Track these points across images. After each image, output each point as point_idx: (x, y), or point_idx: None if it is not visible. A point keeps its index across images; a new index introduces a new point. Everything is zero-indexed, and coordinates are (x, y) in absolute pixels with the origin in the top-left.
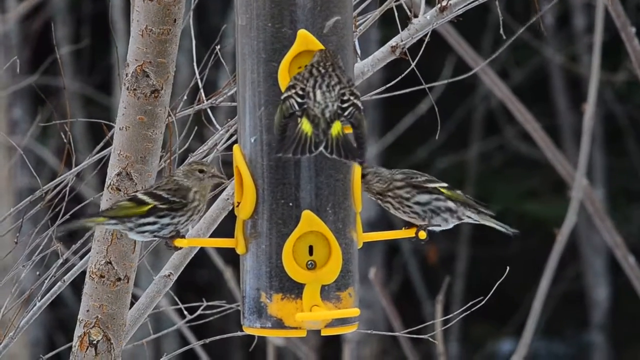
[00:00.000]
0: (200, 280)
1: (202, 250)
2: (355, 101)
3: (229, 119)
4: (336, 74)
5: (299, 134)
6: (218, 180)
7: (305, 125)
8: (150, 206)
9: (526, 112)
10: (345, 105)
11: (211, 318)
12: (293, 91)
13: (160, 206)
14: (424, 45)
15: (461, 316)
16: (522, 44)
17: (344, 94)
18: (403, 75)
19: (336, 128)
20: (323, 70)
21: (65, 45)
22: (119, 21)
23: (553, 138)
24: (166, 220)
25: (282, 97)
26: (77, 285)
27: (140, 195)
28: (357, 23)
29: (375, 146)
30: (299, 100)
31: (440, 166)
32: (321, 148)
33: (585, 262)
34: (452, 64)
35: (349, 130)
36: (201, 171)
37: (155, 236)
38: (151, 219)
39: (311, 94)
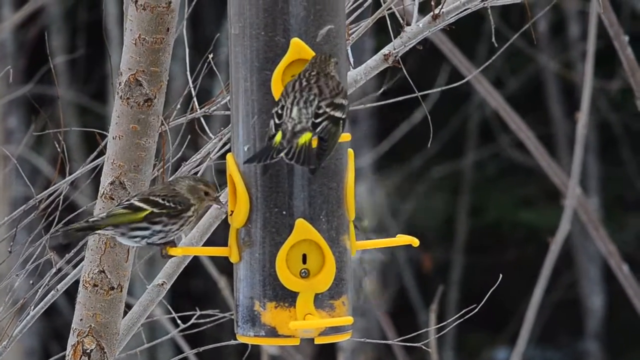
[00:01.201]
0: (195, 290)
1: (197, 260)
2: (331, 113)
3: (221, 128)
4: (318, 85)
5: (269, 144)
6: (217, 207)
7: (277, 137)
8: (147, 212)
9: (520, 121)
10: (319, 120)
11: (205, 327)
12: (276, 109)
13: (157, 211)
14: (417, 54)
15: (455, 324)
16: (516, 52)
17: (320, 107)
18: (392, 81)
19: (304, 138)
20: (305, 83)
21: (61, 54)
22: (114, 30)
23: (548, 146)
24: (158, 227)
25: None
26: (72, 294)
27: (136, 203)
28: (350, 31)
29: (369, 155)
30: (277, 121)
31: (435, 175)
32: (282, 155)
33: (580, 270)
34: (446, 73)
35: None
36: (206, 193)
37: (146, 242)
38: (144, 224)
39: (288, 110)
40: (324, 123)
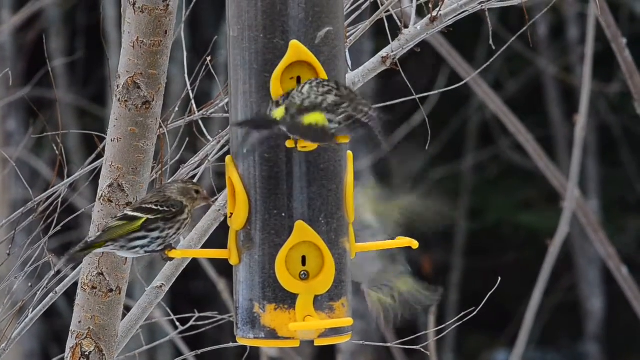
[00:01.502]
0: (195, 292)
1: (197, 262)
2: (354, 114)
3: (220, 130)
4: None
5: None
6: (206, 204)
7: (277, 112)
8: (142, 220)
9: (519, 123)
10: (339, 111)
11: (204, 329)
12: (278, 98)
13: (153, 217)
14: (417, 56)
15: (454, 326)
16: (516, 54)
17: (340, 104)
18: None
19: (313, 117)
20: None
21: (60, 57)
22: (112, 33)
23: (547, 149)
24: (155, 234)
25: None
26: (72, 296)
27: (130, 213)
28: (348, 34)
29: (369, 157)
30: (280, 102)
31: (435, 177)
32: (282, 127)
33: (580, 272)
34: (446, 75)
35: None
36: (197, 192)
37: (145, 252)
38: (141, 233)
39: (299, 88)
40: (344, 114)
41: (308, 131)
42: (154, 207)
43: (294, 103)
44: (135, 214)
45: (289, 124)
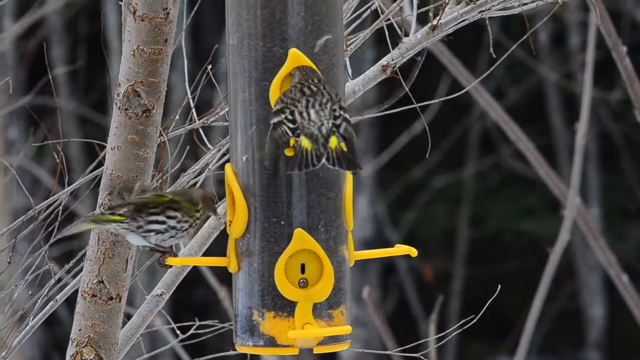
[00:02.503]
0: (196, 300)
1: (198, 270)
2: (346, 115)
3: (220, 138)
4: (327, 91)
5: (300, 150)
6: (215, 218)
7: (305, 142)
8: (169, 198)
9: (520, 131)
10: (338, 121)
11: (205, 337)
12: (283, 116)
13: (177, 199)
14: (417, 65)
15: (454, 333)
16: (517, 62)
17: (335, 110)
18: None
19: (333, 142)
20: (315, 89)
21: (61, 65)
22: (114, 41)
23: (549, 157)
24: (173, 222)
25: (272, 123)
26: (73, 304)
27: (159, 192)
28: (349, 42)
29: (370, 165)
30: (291, 126)
31: (436, 185)
32: (323, 160)
33: (581, 280)
34: (447, 84)
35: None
36: (213, 201)
37: (155, 242)
38: (161, 217)
39: (305, 114)
40: (343, 124)
41: (339, 158)
42: (178, 197)
43: (313, 133)
44: (162, 193)
45: (326, 157)
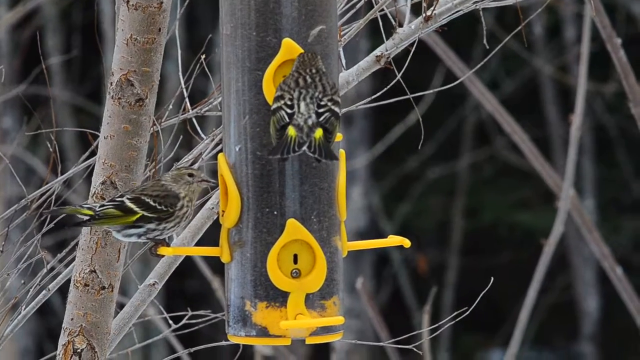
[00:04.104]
0: (189, 290)
1: (191, 260)
2: (332, 107)
3: (214, 128)
4: (322, 83)
5: (285, 138)
6: (207, 185)
7: (291, 131)
8: (138, 215)
9: (514, 123)
10: (321, 110)
11: (198, 327)
12: (282, 102)
13: (149, 215)
14: (410, 55)
15: (447, 325)
16: (511, 54)
17: (322, 100)
18: (389, 85)
19: (318, 133)
20: (310, 80)
21: (56, 54)
22: (108, 30)
23: (544, 149)
24: (152, 226)
25: (272, 109)
26: (66, 293)
27: (128, 203)
28: (342, 32)
29: (365, 156)
30: (289, 111)
31: (431, 176)
32: (304, 148)
33: (575, 272)
34: (442, 75)
35: None
36: (190, 175)
37: (141, 239)
38: (138, 223)
39: (296, 106)
40: (327, 114)
41: (319, 148)
42: (152, 202)
43: (299, 124)
44: (132, 206)
45: (308, 144)
